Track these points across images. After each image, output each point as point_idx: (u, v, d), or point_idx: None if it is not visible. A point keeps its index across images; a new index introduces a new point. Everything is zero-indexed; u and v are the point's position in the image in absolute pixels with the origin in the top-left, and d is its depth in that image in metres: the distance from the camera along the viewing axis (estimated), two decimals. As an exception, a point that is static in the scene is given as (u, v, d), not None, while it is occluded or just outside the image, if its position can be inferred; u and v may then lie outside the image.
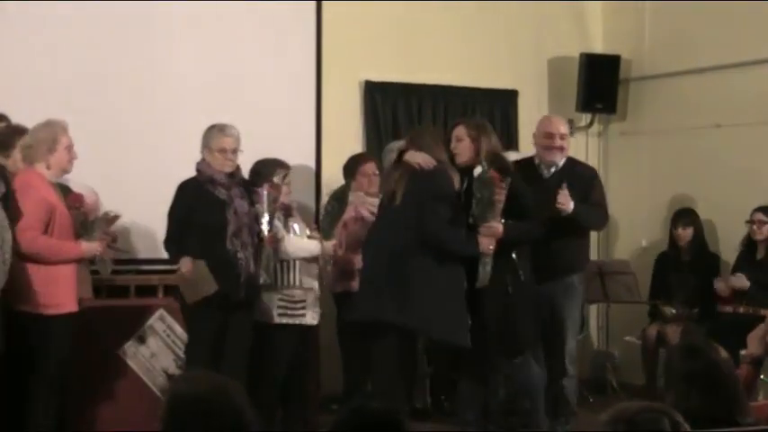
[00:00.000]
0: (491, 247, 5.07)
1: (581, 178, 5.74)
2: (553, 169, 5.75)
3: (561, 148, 5.74)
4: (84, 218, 5.06)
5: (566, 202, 5.52)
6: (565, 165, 5.80)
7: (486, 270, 5.09)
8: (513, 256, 5.21)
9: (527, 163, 5.86)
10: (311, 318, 5.64)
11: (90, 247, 5.06)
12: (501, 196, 5.09)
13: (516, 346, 5.32)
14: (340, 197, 5.89)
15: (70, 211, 4.99)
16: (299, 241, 5.61)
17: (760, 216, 6.54)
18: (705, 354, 2.97)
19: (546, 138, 5.77)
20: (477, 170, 5.18)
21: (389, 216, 5.20)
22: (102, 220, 5.16)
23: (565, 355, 5.65)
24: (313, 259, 5.65)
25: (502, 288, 5.16)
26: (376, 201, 5.99)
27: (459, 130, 5.34)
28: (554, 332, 5.64)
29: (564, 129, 5.82)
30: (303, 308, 5.60)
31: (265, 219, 5.34)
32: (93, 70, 6.36)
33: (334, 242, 5.73)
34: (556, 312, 5.65)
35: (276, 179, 5.44)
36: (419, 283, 4.98)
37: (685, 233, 6.84)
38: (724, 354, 3.07)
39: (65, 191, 4.94)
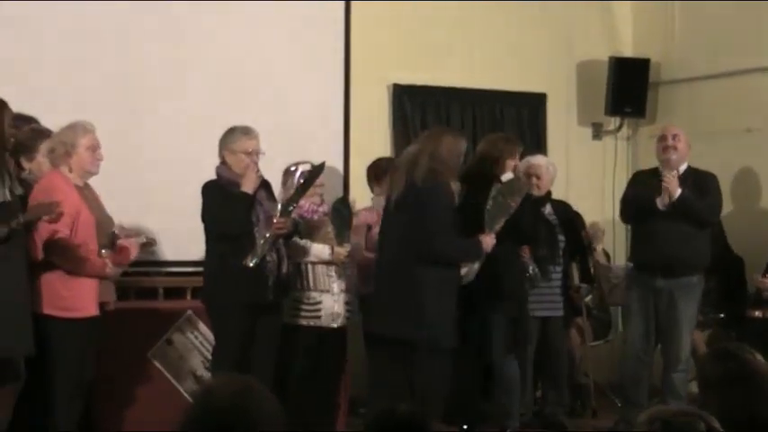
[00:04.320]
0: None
1: (698, 178, 5.98)
2: (674, 173, 5.95)
3: (674, 148, 6.01)
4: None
5: (671, 184, 5.78)
6: (685, 171, 6.03)
7: (474, 267, 5.27)
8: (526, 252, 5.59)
9: (652, 171, 6.18)
10: (329, 320, 5.62)
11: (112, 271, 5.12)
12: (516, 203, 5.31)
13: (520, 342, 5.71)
14: (339, 207, 5.81)
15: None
16: (308, 246, 5.62)
17: None
18: (739, 357, 2.97)
19: (660, 141, 6.13)
20: (508, 175, 5.32)
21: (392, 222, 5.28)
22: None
23: (679, 349, 5.91)
24: (329, 262, 5.64)
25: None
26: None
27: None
28: (669, 327, 5.93)
29: (676, 130, 6.13)
30: (318, 310, 5.60)
31: (281, 203, 5.30)
32: (120, 70, 6.37)
33: (346, 248, 5.66)
34: (672, 309, 5.91)
35: (303, 167, 5.40)
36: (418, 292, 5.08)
37: None
38: (759, 357, 3.05)
39: (110, 239, 5.06)
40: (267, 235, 5.21)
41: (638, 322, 6.08)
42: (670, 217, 5.84)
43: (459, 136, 5.34)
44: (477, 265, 5.23)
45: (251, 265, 5.16)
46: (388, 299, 5.16)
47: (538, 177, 6.17)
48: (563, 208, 6.53)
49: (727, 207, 7.00)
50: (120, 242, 5.12)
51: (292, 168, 5.40)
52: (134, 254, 5.15)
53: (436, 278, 5.05)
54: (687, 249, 5.88)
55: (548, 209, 6.31)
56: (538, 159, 6.41)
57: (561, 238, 6.35)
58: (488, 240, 5.20)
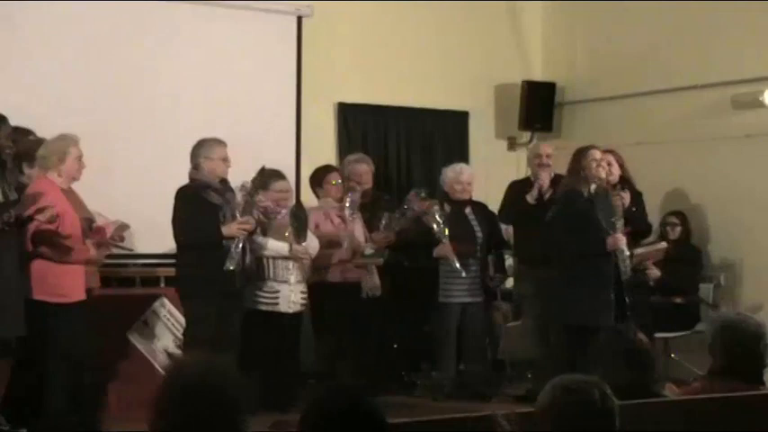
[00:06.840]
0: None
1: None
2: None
3: (548, 165, 6.79)
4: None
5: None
6: (553, 178, 6.75)
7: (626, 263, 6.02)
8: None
9: (525, 180, 6.93)
10: (285, 306, 5.97)
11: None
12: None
13: None
14: (296, 211, 6.11)
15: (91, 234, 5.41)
16: (271, 242, 5.98)
17: (672, 219, 7.33)
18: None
19: (535, 157, 6.89)
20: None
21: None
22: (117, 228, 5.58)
23: None
24: (287, 257, 5.99)
25: None
26: (345, 204, 6.43)
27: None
28: None
29: (548, 150, 6.87)
30: (276, 297, 5.96)
31: (241, 206, 5.70)
32: (92, 81, 6.63)
33: (304, 246, 6.03)
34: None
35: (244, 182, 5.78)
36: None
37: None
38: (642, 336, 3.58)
39: (88, 223, 5.36)
40: (237, 239, 5.62)
41: (534, 304, 6.64)
42: (543, 216, 6.24)
43: None
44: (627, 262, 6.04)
45: (231, 268, 5.55)
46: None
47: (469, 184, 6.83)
48: (481, 208, 6.93)
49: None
50: (97, 224, 5.43)
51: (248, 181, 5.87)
52: (110, 232, 5.46)
53: None
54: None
55: (468, 210, 6.80)
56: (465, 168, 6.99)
57: (479, 235, 6.75)
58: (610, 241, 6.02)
